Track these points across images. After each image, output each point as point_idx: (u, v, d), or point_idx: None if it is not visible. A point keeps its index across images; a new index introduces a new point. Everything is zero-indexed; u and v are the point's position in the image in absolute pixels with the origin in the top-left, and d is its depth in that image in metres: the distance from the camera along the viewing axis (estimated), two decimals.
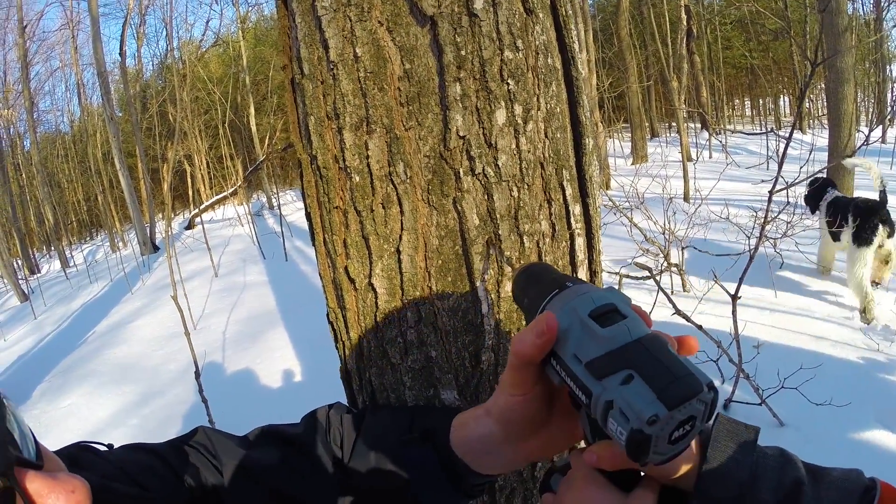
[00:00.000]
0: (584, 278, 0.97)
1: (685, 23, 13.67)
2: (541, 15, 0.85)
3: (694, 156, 12.83)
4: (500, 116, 0.79)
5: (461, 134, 0.78)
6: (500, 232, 0.81)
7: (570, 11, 0.94)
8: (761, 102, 23.24)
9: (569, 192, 0.89)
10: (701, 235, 5.95)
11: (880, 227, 4.25)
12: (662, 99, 19.79)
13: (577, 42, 0.94)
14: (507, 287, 0.84)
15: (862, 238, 4.26)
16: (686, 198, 8.75)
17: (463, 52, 0.77)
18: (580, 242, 0.93)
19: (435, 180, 0.79)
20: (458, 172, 0.79)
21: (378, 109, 0.79)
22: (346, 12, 0.78)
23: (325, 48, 0.80)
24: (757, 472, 0.53)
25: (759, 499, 0.51)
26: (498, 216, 0.81)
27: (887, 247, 4.29)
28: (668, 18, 14.55)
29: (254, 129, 15.86)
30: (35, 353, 7.09)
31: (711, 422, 0.56)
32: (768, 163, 11.33)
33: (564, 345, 0.52)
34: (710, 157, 13.76)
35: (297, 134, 0.93)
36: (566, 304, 0.53)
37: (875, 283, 4.43)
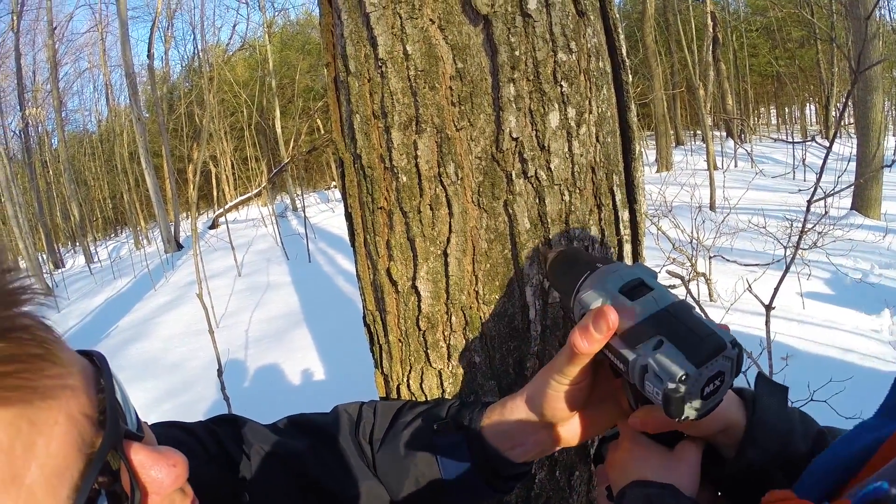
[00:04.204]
0: None
1: (711, 30, 13.55)
2: (592, 17, 0.83)
3: (720, 165, 12.67)
4: (554, 119, 0.77)
5: (514, 135, 0.76)
6: (550, 237, 0.79)
7: (618, 15, 0.92)
8: (787, 111, 22.96)
9: (618, 197, 0.86)
10: (728, 245, 5.86)
11: None
12: (687, 107, 19.61)
13: (624, 46, 0.92)
14: (555, 293, 0.82)
15: None
16: (712, 206, 8.66)
17: (517, 53, 0.75)
18: (627, 249, 0.91)
19: (486, 182, 0.77)
20: (511, 175, 0.77)
21: (428, 108, 0.77)
22: (397, 9, 0.76)
23: (374, 45, 0.79)
24: (791, 425, 0.59)
25: (796, 448, 0.57)
26: (549, 220, 0.79)
27: None
28: (693, 25, 14.42)
29: (279, 131, 16.00)
30: None
31: (753, 381, 0.62)
32: (794, 172, 11.16)
33: None
34: (736, 165, 13.60)
35: (339, 133, 0.91)
36: (599, 284, 0.58)
37: None
